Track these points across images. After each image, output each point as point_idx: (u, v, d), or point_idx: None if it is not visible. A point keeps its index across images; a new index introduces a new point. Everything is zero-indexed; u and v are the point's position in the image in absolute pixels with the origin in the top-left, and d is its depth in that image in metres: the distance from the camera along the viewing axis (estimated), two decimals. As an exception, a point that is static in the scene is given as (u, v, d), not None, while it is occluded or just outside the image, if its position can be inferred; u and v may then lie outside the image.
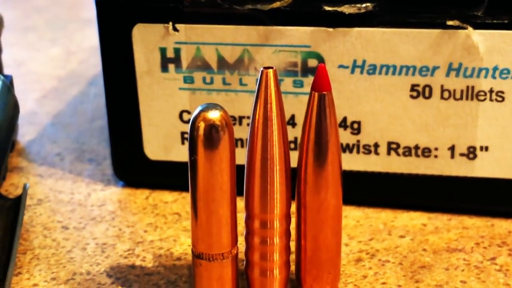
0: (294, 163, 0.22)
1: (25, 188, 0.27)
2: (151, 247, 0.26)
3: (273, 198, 0.21)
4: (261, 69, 0.21)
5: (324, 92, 0.21)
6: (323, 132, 0.21)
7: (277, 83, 0.21)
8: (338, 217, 0.22)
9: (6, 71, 0.35)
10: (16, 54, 0.45)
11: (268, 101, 0.21)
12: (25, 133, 0.34)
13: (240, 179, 0.22)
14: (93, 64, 0.43)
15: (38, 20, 0.52)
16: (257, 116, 0.21)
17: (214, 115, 0.21)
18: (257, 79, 0.21)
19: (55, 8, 0.54)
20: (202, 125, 0.21)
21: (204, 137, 0.21)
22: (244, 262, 0.23)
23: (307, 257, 0.22)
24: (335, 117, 0.21)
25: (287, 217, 0.22)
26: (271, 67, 0.21)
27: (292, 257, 0.23)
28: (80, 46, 0.47)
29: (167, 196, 0.29)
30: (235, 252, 0.22)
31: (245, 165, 0.22)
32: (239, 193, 0.22)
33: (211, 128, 0.21)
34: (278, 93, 0.21)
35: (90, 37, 0.47)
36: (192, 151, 0.21)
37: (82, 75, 0.42)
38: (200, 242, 0.22)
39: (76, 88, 0.40)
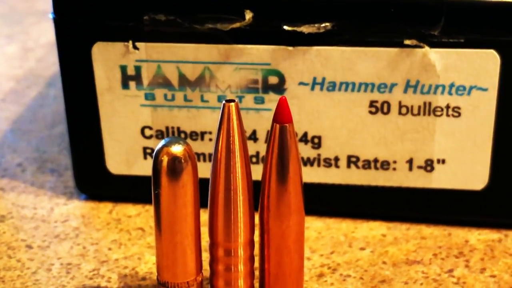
0: (256, 176, 0.23)
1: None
2: (116, 266, 0.26)
3: (237, 227, 0.22)
4: (223, 102, 0.21)
5: (285, 124, 0.21)
6: (285, 162, 0.21)
7: (239, 116, 0.21)
8: (301, 243, 0.23)
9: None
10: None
11: (231, 134, 0.21)
12: (-16, 141, 0.34)
13: (203, 192, 0.22)
14: (51, 62, 0.42)
15: (-7, 13, 0.51)
16: (219, 149, 0.21)
17: (177, 149, 0.21)
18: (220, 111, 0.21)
19: (10, -2, 0.54)
20: (165, 159, 0.21)
21: (167, 170, 0.21)
22: None
23: (271, 280, 0.23)
24: (296, 148, 0.21)
25: (250, 244, 0.22)
26: (233, 100, 0.21)
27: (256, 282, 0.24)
28: (37, 41, 0.46)
29: (131, 209, 0.29)
30: (200, 279, 0.22)
31: (209, 197, 0.22)
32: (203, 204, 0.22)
33: (174, 161, 0.21)
34: (241, 125, 0.21)
35: (47, 32, 0.47)
36: (156, 184, 0.21)
37: (40, 75, 0.41)
38: (165, 271, 0.22)
39: (34, 89, 0.40)
